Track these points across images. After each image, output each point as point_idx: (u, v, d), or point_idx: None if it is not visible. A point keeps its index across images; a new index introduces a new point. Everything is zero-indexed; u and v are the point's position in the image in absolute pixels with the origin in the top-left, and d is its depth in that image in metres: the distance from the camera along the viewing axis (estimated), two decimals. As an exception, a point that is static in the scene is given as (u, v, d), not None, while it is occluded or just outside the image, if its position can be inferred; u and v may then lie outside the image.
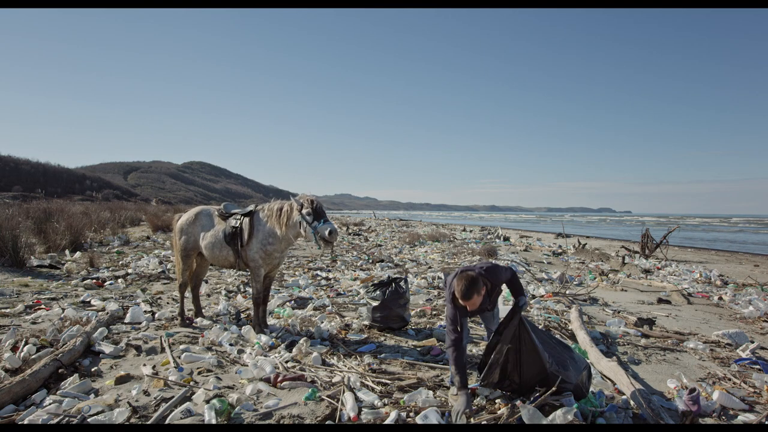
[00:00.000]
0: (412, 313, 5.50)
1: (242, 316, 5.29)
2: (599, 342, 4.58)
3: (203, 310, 5.39)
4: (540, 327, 4.88)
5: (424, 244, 15.65)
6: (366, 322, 4.98)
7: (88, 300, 5.88)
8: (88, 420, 2.70)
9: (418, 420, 2.75)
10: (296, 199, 4.34)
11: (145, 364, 3.66)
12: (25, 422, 2.69)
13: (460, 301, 2.99)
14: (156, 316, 5.17)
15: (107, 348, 3.97)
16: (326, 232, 4.14)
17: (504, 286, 3.58)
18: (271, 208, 4.54)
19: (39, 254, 9.04)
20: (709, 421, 2.99)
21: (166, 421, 2.74)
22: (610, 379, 3.54)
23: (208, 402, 2.92)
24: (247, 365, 3.67)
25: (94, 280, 7.08)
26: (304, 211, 4.25)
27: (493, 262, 3.42)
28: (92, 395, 3.12)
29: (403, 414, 2.84)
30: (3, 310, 5.15)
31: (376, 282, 5.17)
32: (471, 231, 24.51)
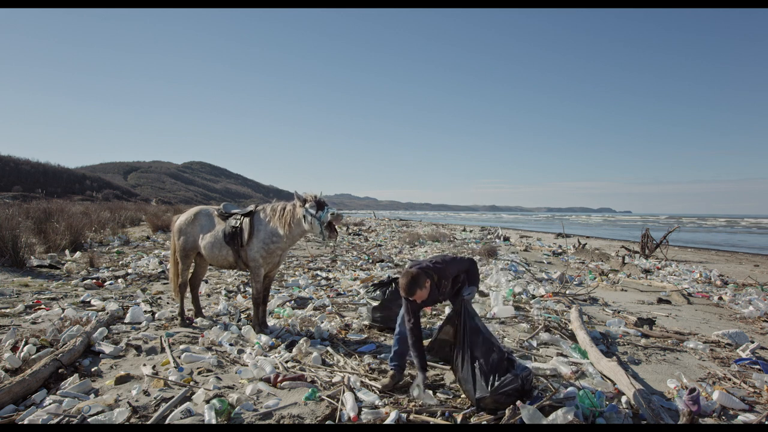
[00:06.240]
0: (412, 313, 5.49)
1: (242, 316, 5.30)
2: (599, 342, 4.58)
3: (203, 310, 5.39)
4: (541, 326, 4.88)
5: (424, 244, 15.66)
6: (366, 322, 4.98)
7: (88, 300, 5.88)
8: (88, 420, 2.70)
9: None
10: (298, 195, 4.36)
11: (145, 364, 3.66)
12: (25, 422, 2.69)
13: (405, 296, 3.17)
14: (156, 316, 5.18)
15: (107, 348, 3.97)
16: (329, 215, 4.18)
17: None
18: (275, 207, 4.56)
19: (39, 254, 9.03)
20: (709, 421, 2.99)
21: (166, 421, 2.74)
22: (610, 379, 3.54)
23: (208, 402, 2.92)
24: (247, 365, 3.67)
25: (94, 280, 7.08)
26: (307, 205, 4.28)
27: (448, 254, 3.57)
28: (92, 395, 3.12)
29: (404, 414, 2.84)
30: (3, 310, 5.15)
31: (376, 282, 5.17)
32: (471, 231, 24.52)
